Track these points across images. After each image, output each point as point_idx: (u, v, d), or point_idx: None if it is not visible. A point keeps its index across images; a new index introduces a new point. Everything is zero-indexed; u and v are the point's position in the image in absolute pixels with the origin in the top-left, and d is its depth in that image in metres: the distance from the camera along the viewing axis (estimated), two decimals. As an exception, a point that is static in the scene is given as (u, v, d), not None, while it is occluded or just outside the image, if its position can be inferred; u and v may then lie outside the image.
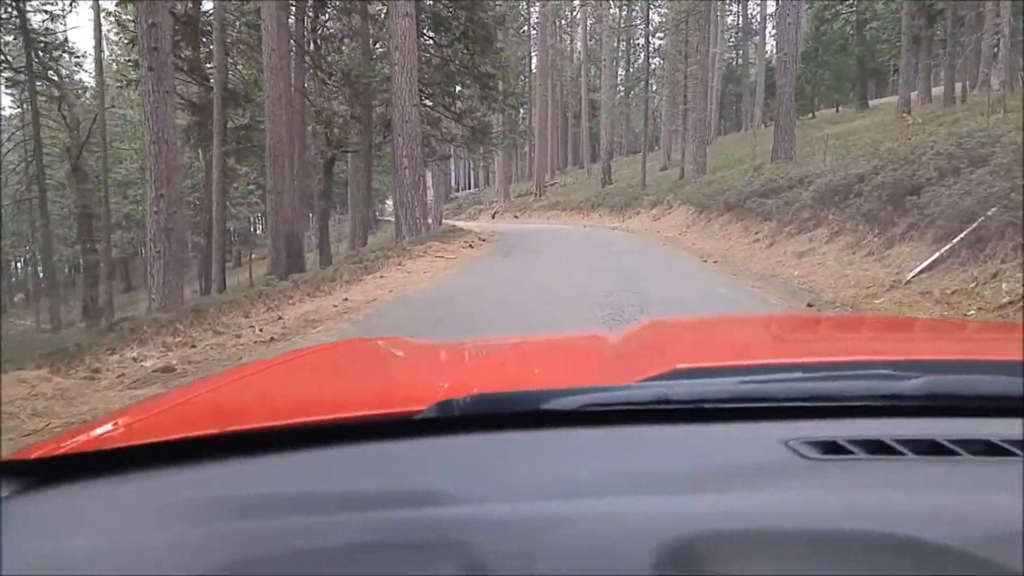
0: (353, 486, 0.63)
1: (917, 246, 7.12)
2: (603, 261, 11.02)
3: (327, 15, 20.07)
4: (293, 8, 18.04)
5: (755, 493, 0.58)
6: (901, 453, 0.63)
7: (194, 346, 5.30)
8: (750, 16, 44.47)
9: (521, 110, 28.09)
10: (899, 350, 1.14)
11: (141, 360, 4.86)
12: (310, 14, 19.20)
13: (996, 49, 26.17)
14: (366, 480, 0.64)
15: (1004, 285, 5.16)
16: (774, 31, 47.43)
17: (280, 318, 6.57)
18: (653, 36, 26.14)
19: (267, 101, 15.66)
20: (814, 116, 39.21)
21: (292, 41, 17.75)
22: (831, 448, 0.64)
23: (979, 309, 5.07)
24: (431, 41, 20.72)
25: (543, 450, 0.68)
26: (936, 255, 6.38)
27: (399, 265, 10.93)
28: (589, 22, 47.15)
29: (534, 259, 11.86)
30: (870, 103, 34.32)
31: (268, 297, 7.40)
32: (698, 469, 0.63)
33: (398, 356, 1.38)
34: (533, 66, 43.45)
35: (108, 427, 0.87)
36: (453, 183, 60.92)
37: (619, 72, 44.24)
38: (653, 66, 28.00)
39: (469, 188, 58.04)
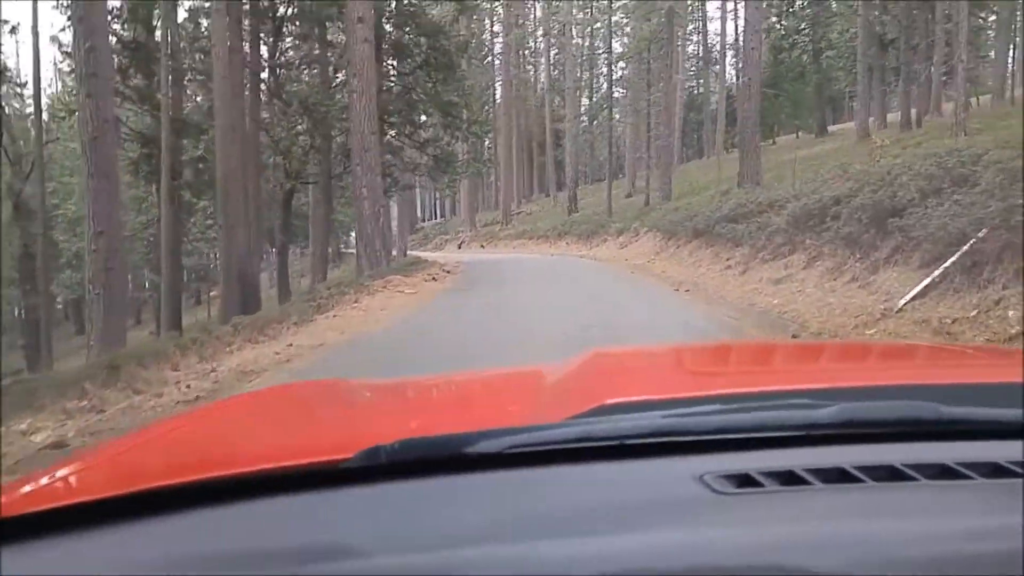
0: (275, 542, 0.62)
1: (903, 271, 6.67)
2: (571, 291, 10.45)
3: (287, 42, 19.48)
4: (249, 33, 17.42)
5: (669, 530, 0.59)
6: (810, 483, 0.64)
7: (102, 411, 4.52)
8: (711, 45, 45.06)
9: (487, 139, 27.72)
10: (819, 378, 1.13)
11: (32, 433, 4.06)
12: (267, 40, 18.58)
13: (945, 77, 26.66)
14: (288, 534, 0.63)
15: (1011, 313, 4.68)
16: (734, 60, 48.18)
17: (213, 370, 5.82)
18: (615, 65, 26.04)
19: (217, 131, 14.90)
20: (775, 142, 39.58)
21: (247, 68, 17.10)
22: (744, 481, 0.64)
23: (987, 340, 4.58)
24: (393, 69, 20.26)
25: (467, 495, 0.67)
26: (928, 280, 5.91)
27: (355, 303, 10.22)
28: (552, 52, 47.37)
29: (498, 292, 11.25)
30: (829, 129, 34.77)
31: (203, 345, 6.62)
32: (617, 507, 0.63)
33: (331, 400, 1.34)
34: (498, 96, 43.33)
35: (27, 488, 0.83)
36: (419, 213, 60.34)
37: (583, 101, 44.36)
38: (617, 94, 27.88)
39: (435, 218, 57.47)
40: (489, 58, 45.89)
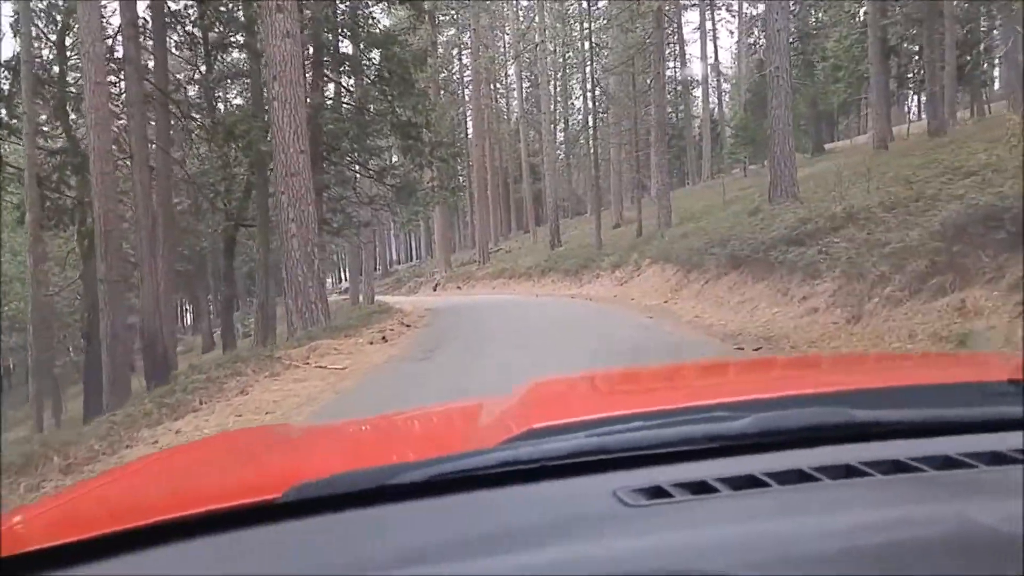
0: None
1: None
2: (584, 354, 6.61)
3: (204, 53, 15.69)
4: (153, 40, 13.69)
5: (582, 544, 0.59)
6: (719, 491, 0.65)
7: None
8: (687, 69, 42.13)
9: (458, 165, 23.95)
10: (736, 391, 1.12)
11: None
12: (174, 52, 14.79)
13: (961, 83, 23.64)
14: (224, 569, 0.64)
15: None
16: (716, 82, 45.40)
17: None
18: (597, 81, 22.63)
19: (93, 162, 10.90)
20: (763, 165, 36.57)
21: (148, 83, 13.28)
22: (656, 493, 0.66)
23: None
24: (342, 87, 16.58)
25: (393, 523, 0.68)
26: None
27: (242, 392, 6.30)
28: (525, 85, 44.28)
29: (474, 360, 7.33)
30: (825, 147, 31.58)
31: None
32: (536, 526, 0.63)
33: (272, 443, 1.33)
34: (469, 129, 39.91)
35: None
36: (393, 256, 56.43)
37: (559, 130, 41.13)
38: (600, 112, 24.38)
39: (411, 260, 53.55)
40: (460, 90, 42.69)
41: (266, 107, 16.00)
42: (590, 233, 31.84)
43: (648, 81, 22.54)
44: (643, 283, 15.11)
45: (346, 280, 53.80)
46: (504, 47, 39.79)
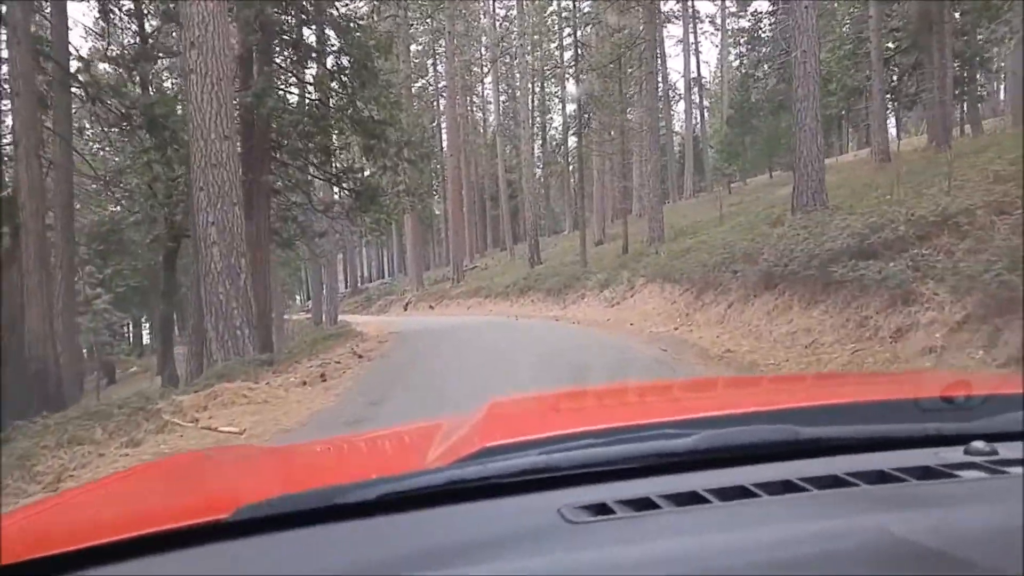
0: None
1: None
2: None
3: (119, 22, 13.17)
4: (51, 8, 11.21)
5: (523, 560, 0.59)
6: (661, 507, 0.66)
7: None
8: (672, 83, 40.44)
9: (432, 170, 21.58)
10: (685, 409, 1.10)
11: None
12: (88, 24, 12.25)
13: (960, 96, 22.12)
14: None
15: None
16: (696, 95, 43.82)
17: None
18: (581, 79, 20.51)
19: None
20: (746, 183, 34.84)
21: (42, 61, 10.78)
22: (600, 510, 0.66)
23: None
24: (291, 73, 14.19)
25: (341, 542, 0.67)
26: None
27: (57, 480, 3.84)
28: (502, 99, 42.30)
29: (440, 410, 4.93)
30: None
31: None
32: (479, 543, 0.63)
33: (223, 463, 1.30)
34: (444, 142, 37.67)
35: None
36: (364, 272, 53.73)
37: (536, 148, 39.09)
38: (584, 116, 22.23)
39: (383, 277, 50.86)
40: (435, 102, 40.51)
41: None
42: (571, 250, 29.67)
43: (635, 86, 20.51)
44: (640, 304, 12.86)
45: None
46: (481, 55, 37.70)
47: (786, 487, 0.68)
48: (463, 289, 27.59)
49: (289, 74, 13.98)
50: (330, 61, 14.00)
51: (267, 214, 13.48)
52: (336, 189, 14.63)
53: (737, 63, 35.90)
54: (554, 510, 0.66)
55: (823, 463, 0.73)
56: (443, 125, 36.86)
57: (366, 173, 14.56)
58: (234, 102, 9.62)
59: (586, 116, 20.98)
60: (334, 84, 13.91)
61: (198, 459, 1.53)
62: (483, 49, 37.06)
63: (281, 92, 13.29)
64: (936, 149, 17.04)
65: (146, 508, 0.96)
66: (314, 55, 13.80)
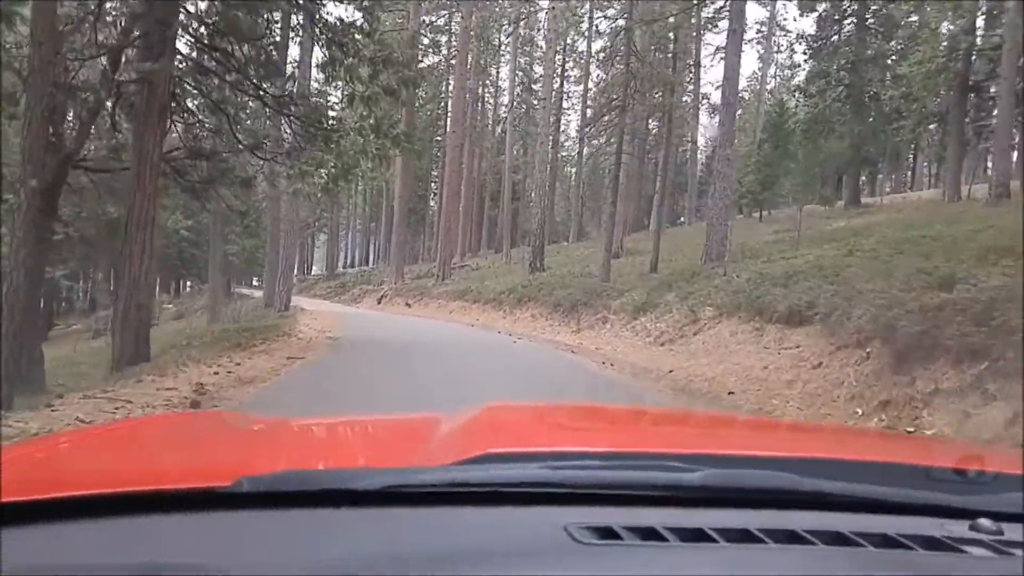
0: (142, 557, 0.59)
1: None
2: None
3: None
4: None
5: (529, 572, 0.57)
6: (667, 540, 0.64)
7: None
8: (704, 93, 35.55)
9: (424, 111, 16.38)
10: (691, 444, 1.07)
11: None
12: None
13: None
14: (158, 551, 0.60)
15: None
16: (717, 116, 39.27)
17: None
18: (632, 44, 15.49)
19: None
20: (769, 213, 30.05)
21: None
22: (607, 533, 0.64)
23: None
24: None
25: (340, 528, 0.65)
26: None
27: None
28: (518, 90, 37.34)
29: None
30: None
31: None
32: (482, 551, 0.61)
33: (228, 431, 1.24)
34: (448, 126, 32.58)
35: None
36: (345, 257, 48.38)
37: (549, 144, 34.14)
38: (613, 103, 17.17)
39: (367, 264, 45.51)
40: (443, 83, 35.46)
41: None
42: (578, 260, 24.54)
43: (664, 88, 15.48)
44: (713, 347, 7.84)
45: (306, 276, 45.55)
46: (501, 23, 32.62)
47: (791, 537, 0.65)
48: (448, 289, 22.44)
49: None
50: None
51: (160, 137, 8.34)
52: (273, 121, 9.45)
53: (780, 78, 31.08)
54: (560, 527, 0.64)
55: (822, 517, 0.70)
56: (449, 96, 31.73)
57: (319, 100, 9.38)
58: None
59: (619, 107, 15.91)
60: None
61: (190, 422, 1.42)
62: (505, 22, 32.02)
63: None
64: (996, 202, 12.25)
65: (136, 466, 0.90)
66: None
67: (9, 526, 0.61)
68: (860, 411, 4.41)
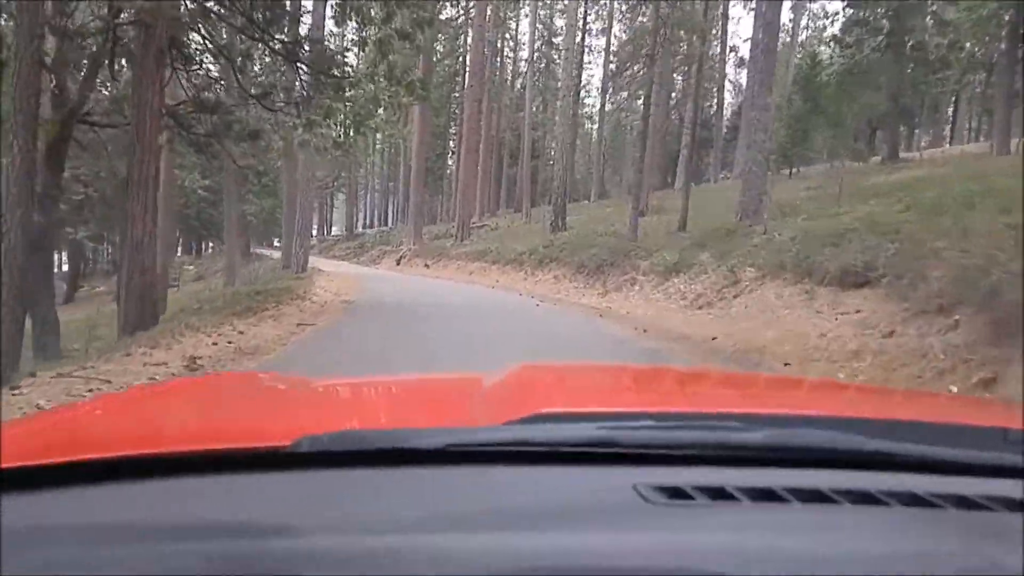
0: (210, 516, 0.59)
1: None
2: None
3: None
4: None
5: (600, 533, 0.57)
6: (738, 500, 0.62)
7: None
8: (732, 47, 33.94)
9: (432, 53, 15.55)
10: (749, 404, 1.06)
11: None
12: None
13: None
14: (222, 510, 0.60)
15: None
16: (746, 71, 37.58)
17: None
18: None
19: None
20: (798, 170, 28.79)
21: None
22: (675, 493, 0.63)
23: None
24: None
25: (404, 487, 0.64)
26: None
27: None
28: (538, 43, 35.91)
29: None
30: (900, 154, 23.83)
31: None
32: (551, 509, 0.60)
33: (273, 391, 1.23)
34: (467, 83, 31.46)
35: None
36: (364, 217, 47.88)
37: (569, 101, 32.89)
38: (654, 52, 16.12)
39: (386, 224, 44.97)
40: (461, 35, 34.21)
41: None
42: (601, 219, 23.63)
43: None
44: (756, 311, 7.20)
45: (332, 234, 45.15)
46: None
47: (865, 498, 0.63)
48: (467, 250, 21.83)
49: None
50: None
51: (159, 85, 7.71)
52: (281, 69, 8.75)
53: (812, 28, 29.43)
54: (628, 487, 0.62)
55: (897, 478, 0.67)
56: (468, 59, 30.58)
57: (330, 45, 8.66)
58: None
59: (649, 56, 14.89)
60: None
61: (240, 382, 1.43)
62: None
63: None
64: None
65: (189, 426, 0.90)
66: None
67: (53, 487, 0.60)
68: (955, 389, 3.77)
